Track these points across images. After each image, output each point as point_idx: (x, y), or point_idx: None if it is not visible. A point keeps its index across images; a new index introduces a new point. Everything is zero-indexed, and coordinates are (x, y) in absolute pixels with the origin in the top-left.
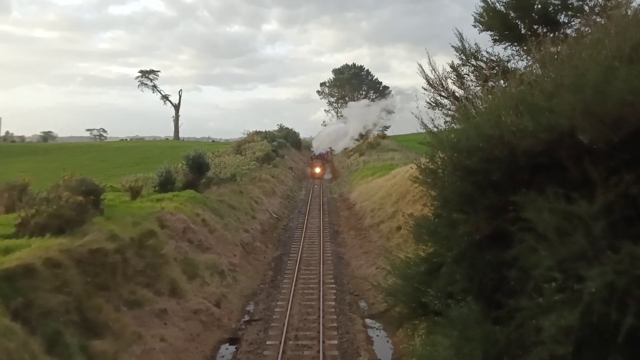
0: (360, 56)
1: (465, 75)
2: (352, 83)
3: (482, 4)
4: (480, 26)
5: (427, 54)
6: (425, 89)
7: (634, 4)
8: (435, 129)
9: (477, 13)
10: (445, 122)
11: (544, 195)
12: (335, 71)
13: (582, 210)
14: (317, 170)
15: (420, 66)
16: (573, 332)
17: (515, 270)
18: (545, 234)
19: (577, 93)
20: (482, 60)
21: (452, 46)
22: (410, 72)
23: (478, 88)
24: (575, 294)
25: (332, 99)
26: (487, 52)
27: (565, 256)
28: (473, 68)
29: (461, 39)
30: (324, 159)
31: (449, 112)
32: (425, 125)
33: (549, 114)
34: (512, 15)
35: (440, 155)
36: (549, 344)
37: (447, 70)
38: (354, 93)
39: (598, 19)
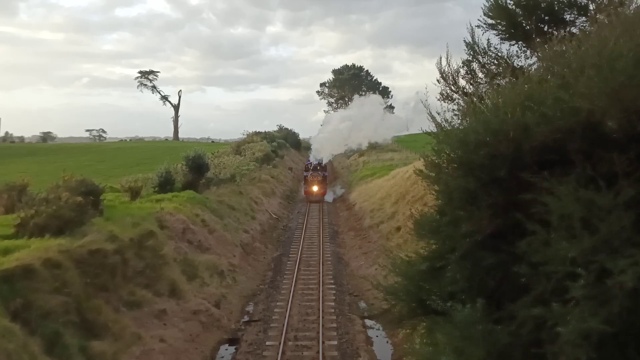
0: (363, 58)
1: (475, 70)
2: (352, 83)
3: (488, 1)
4: (489, 21)
5: (447, 48)
6: (438, 81)
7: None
8: (444, 122)
9: (485, 7)
10: (455, 113)
11: (564, 181)
12: (335, 72)
13: (608, 200)
14: (315, 188)
15: (440, 58)
16: (594, 334)
17: (525, 266)
18: (564, 223)
19: (609, 74)
20: (490, 56)
21: (464, 41)
22: (411, 74)
23: (486, 85)
24: (598, 288)
25: (332, 100)
26: (495, 48)
27: (588, 248)
28: (481, 64)
29: (472, 34)
30: (325, 170)
31: (459, 106)
32: (434, 118)
33: (569, 98)
34: (519, 12)
35: (446, 150)
36: (567, 349)
37: (459, 64)
38: (353, 94)
39: (602, 17)
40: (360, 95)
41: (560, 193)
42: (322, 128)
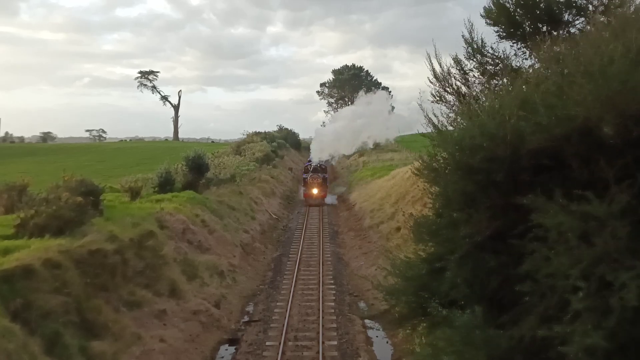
0: (363, 58)
1: (470, 72)
2: (352, 84)
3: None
4: (487, 20)
5: (434, 46)
6: (430, 82)
7: (637, 2)
8: (439, 124)
9: (486, 6)
10: (449, 117)
11: (553, 198)
12: (334, 72)
13: (602, 210)
14: (315, 191)
15: (429, 55)
16: (599, 350)
17: (529, 283)
18: (562, 239)
19: (602, 81)
20: (486, 56)
21: (462, 36)
22: (411, 74)
23: (482, 86)
24: (599, 300)
25: (332, 100)
26: (492, 48)
27: (587, 261)
28: (477, 64)
29: (470, 30)
30: (325, 172)
31: (453, 108)
32: (429, 119)
33: (561, 107)
34: (518, 12)
35: (443, 154)
36: None
37: (451, 64)
38: (353, 94)
39: (602, 18)
40: (366, 92)
41: (552, 210)
42: (330, 124)
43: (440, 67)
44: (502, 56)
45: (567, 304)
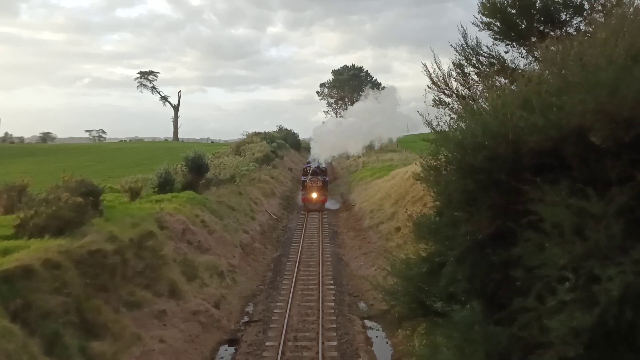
0: (363, 58)
1: (468, 74)
2: (352, 84)
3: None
4: (483, 19)
5: (432, 52)
6: (429, 87)
7: (636, 3)
8: (440, 127)
9: (479, 5)
10: (451, 118)
11: (556, 189)
12: (334, 72)
13: (598, 208)
14: (314, 195)
15: (425, 65)
16: (584, 333)
17: (521, 270)
18: (557, 230)
19: (588, 92)
20: (482, 56)
21: (451, 46)
22: (411, 74)
23: (481, 87)
24: (586, 292)
25: (332, 100)
26: (488, 48)
27: (578, 254)
28: (473, 66)
29: (464, 35)
30: (325, 174)
31: (453, 110)
32: (429, 124)
33: (557, 110)
34: (513, 12)
35: (445, 153)
36: (557, 345)
37: (450, 67)
38: (353, 94)
39: (599, 18)
40: (373, 89)
41: (551, 201)
42: (334, 122)
43: (440, 69)
44: (499, 57)
45: (556, 294)
